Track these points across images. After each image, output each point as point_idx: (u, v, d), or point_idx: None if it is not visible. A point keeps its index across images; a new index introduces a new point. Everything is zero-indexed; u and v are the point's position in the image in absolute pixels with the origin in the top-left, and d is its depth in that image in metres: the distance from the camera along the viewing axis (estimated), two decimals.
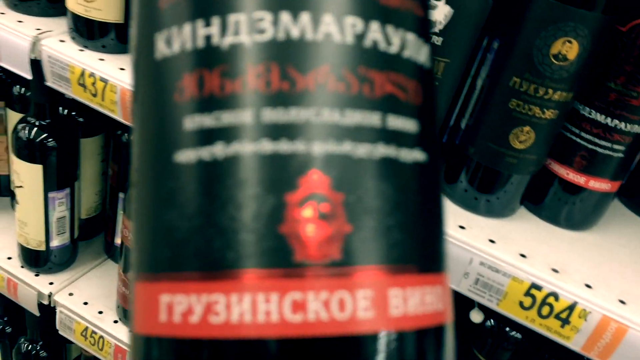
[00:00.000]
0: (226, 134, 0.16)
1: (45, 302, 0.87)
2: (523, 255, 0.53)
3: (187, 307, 0.15)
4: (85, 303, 0.86)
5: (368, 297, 0.15)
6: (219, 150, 0.16)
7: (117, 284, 0.84)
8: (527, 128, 0.53)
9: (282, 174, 0.15)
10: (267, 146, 0.15)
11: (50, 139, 0.79)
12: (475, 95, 0.55)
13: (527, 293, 0.51)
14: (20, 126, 0.79)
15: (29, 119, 0.79)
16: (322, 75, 0.16)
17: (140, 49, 0.18)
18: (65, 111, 0.85)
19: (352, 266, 0.15)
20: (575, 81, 0.51)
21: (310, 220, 0.15)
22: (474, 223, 0.56)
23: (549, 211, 0.59)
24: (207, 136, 0.16)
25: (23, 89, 0.89)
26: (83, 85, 0.66)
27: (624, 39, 0.51)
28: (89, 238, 0.97)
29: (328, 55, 0.16)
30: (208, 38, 0.16)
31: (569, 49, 0.49)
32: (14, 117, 0.90)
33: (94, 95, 0.66)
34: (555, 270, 0.52)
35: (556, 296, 0.50)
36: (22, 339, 1.00)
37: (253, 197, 0.15)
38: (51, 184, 0.81)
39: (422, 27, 0.18)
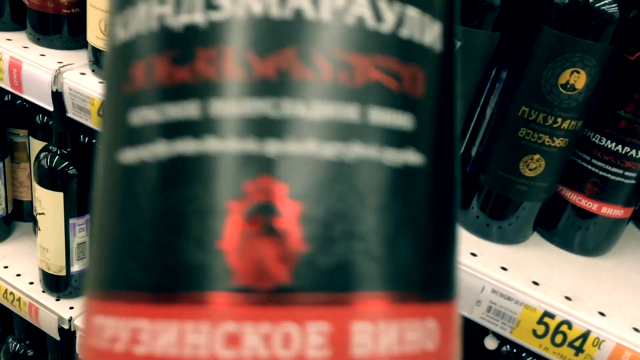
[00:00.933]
0: (169, 130, 0.13)
1: (66, 327, 0.88)
2: (535, 283, 0.53)
3: (114, 333, 0.13)
4: None
5: (323, 332, 0.12)
6: (160, 149, 0.13)
7: None
8: (537, 156, 0.53)
9: (226, 177, 0.13)
10: (212, 144, 0.13)
11: (71, 167, 0.81)
12: (484, 124, 0.56)
13: (540, 321, 0.51)
14: (42, 155, 0.81)
15: (50, 147, 0.81)
16: (285, 60, 0.13)
17: (107, 36, 0.16)
18: (86, 139, 0.88)
19: (304, 292, 0.12)
20: (585, 110, 0.51)
21: (256, 235, 0.13)
22: (485, 250, 0.57)
23: (561, 237, 0.59)
24: (149, 133, 0.14)
25: (45, 118, 0.92)
26: None
27: (632, 67, 0.52)
28: None
29: (295, 35, 0.13)
30: (161, 18, 0.14)
31: (577, 78, 0.50)
32: (36, 145, 0.93)
33: None
34: (568, 298, 0.52)
35: (569, 324, 0.50)
36: None
37: (193, 206, 0.13)
38: (72, 210, 0.83)
39: (432, 0, 0.15)
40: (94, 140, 0.88)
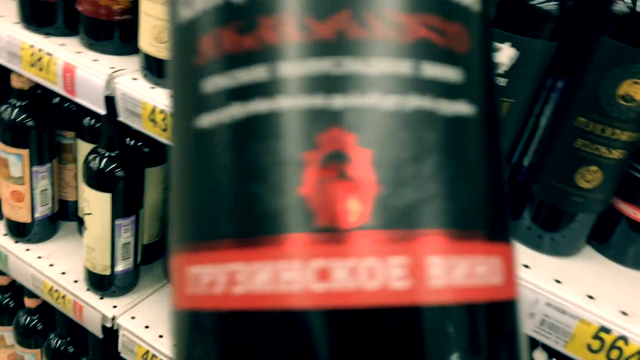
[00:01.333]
0: (242, 93, 0.15)
1: (109, 325, 0.90)
2: (590, 297, 0.52)
3: (212, 278, 0.15)
4: (147, 327, 0.89)
5: (403, 265, 0.13)
6: (236, 111, 0.15)
7: None
8: (593, 167, 0.52)
9: (300, 131, 0.14)
10: (284, 102, 0.14)
11: (118, 169, 0.83)
12: (538, 134, 0.55)
13: (596, 336, 0.50)
14: (91, 157, 0.83)
15: (99, 150, 0.83)
16: (341, 21, 0.14)
17: (169, 17, 0.18)
18: (132, 142, 0.90)
19: (383, 230, 0.13)
20: None
21: (332, 181, 0.14)
22: (538, 262, 0.56)
23: (615, 250, 0.58)
24: (224, 98, 0.15)
25: (93, 121, 0.94)
26: (153, 121, 0.69)
27: None
28: (149, 262, 1.00)
29: None
30: None
31: (637, 90, 0.49)
32: (83, 146, 0.95)
33: (164, 130, 0.69)
34: (624, 313, 0.51)
35: (625, 340, 0.49)
36: (84, 359, 1.04)
37: (271, 158, 0.14)
38: (118, 211, 0.85)
39: None
40: (139, 144, 0.90)
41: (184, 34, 0.16)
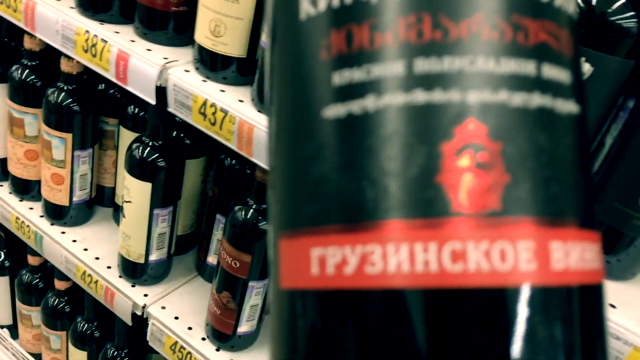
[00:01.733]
0: (378, 86, 0.16)
1: (139, 313, 0.90)
2: None
3: (341, 259, 0.15)
4: (176, 318, 0.89)
5: (530, 249, 0.15)
6: (370, 102, 0.16)
7: (208, 302, 0.86)
8: None
9: (437, 123, 0.15)
10: (421, 96, 0.15)
11: (160, 159, 0.83)
12: (602, 153, 0.54)
13: None
14: (135, 145, 0.83)
15: (143, 138, 0.84)
16: (475, 23, 0.15)
17: (281, 12, 0.18)
18: (174, 133, 0.90)
19: (513, 216, 0.15)
20: None
21: (467, 169, 0.15)
22: None
23: None
24: (357, 90, 0.16)
25: (137, 109, 0.95)
26: (203, 114, 0.69)
27: None
28: (181, 254, 1.01)
29: (481, 3, 0.16)
30: None
31: None
32: (125, 134, 0.96)
33: (213, 123, 0.69)
34: None
35: None
36: (109, 345, 1.05)
37: (407, 148, 0.15)
38: (157, 201, 0.85)
39: None
40: (182, 135, 0.90)
41: (309, 29, 0.17)
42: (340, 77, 0.16)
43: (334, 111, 0.16)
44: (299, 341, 0.16)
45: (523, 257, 0.15)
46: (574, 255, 0.15)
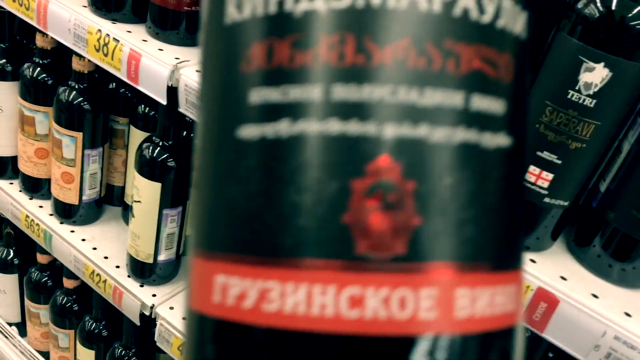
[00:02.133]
0: (293, 110, 0.14)
1: (147, 313, 0.90)
2: None
3: (241, 291, 0.15)
4: (184, 318, 0.89)
5: (432, 296, 0.14)
6: (283, 127, 0.14)
7: None
8: None
9: (349, 158, 0.14)
10: (336, 126, 0.14)
11: (170, 159, 0.83)
12: (619, 159, 0.53)
13: None
14: (145, 145, 0.83)
15: (154, 138, 0.84)
16: (401, 49, 0.14)
17: (210, 13, 0.17)
18: (185, 133, 0.90)
19: (418, 262, 0.14)
20: None
21: (375, 210, 0.14)
22: (607, 292, 0.54)
23: None
24: (272, 112, 0.15)
25: (147, 109, 0.95)
26: None
27: None
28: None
29: (411, 26, 0.14)
30: (280, 3, 0.15)
31: None
32: (136, 133, 0.96)
33: None
34: None
35: None
36: (117, 344, 1.05)
37: (316, 182, 0.14)
38: (167, 201, 0.85)
39: None
40: (192, 135, 0.90)
41: (231, 36, 0.16)
42: (257, 96, 0.15)
43: (248, 132, 0.15)
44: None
45: (424, 305, 0.14)
46: (482, 301, 0.15)
